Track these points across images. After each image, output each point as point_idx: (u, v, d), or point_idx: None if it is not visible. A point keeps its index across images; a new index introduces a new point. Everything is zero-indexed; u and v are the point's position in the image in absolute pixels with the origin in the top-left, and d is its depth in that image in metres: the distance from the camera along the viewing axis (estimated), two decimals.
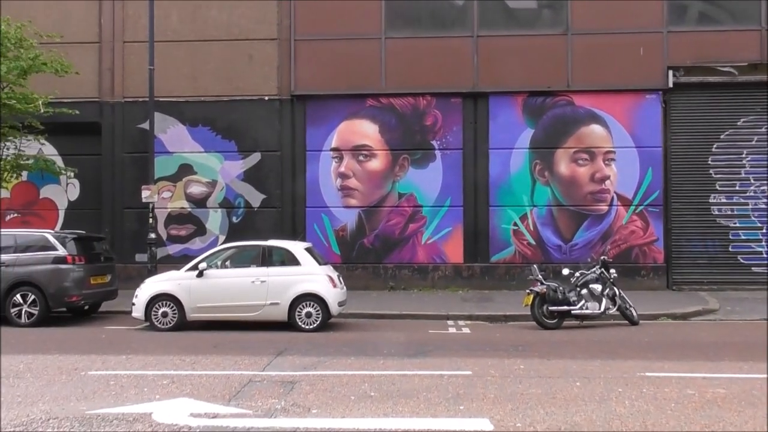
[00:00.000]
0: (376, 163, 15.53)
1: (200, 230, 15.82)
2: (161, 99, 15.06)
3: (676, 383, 6.60)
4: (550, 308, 10.67)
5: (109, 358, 8.17)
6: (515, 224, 15.26)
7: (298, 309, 10.64)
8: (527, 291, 10.87)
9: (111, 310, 12.63)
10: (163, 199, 15.67)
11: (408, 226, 15.45)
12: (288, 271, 10.86)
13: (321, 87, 15.45)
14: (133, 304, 10.98)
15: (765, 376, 6.94)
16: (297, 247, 11.24)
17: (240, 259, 11.37)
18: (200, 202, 15.85)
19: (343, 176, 15.58)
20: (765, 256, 15.05)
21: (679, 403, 5.88)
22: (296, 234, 15.09)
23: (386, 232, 15.49)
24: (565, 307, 10.66)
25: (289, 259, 11.02)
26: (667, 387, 6.44)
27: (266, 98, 15.64)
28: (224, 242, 14.43)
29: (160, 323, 10.78)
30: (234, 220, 15.78)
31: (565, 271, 11.50)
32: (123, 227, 15.79)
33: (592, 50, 14.98)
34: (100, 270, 12.25)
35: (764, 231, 15.07)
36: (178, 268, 11.37)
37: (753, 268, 15.06)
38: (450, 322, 11.49)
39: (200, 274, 10.80)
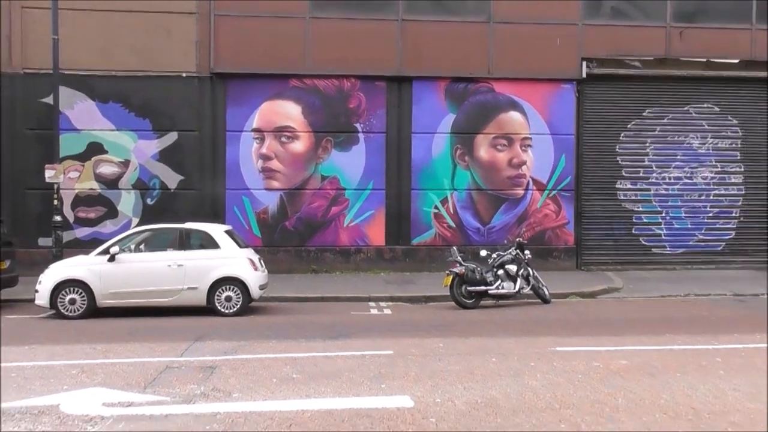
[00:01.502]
0: (298, 145, 15.35)
1: (111, 213, 15.10)
2: (68, 72, 14.17)
3: (584, 356, 7.00)
4: (468, 289, 11.00)
5: (9, 349, 7.64)
6: (436, 207, 15.55)
7: (217, 293, 10.44)
8: (447, 272, 11.15)
9: (12, 299, 11.76)
10: (69, 180, 14.81)
11: (331, 209, 15.41)
12: (207, 255, 10.61)
13: (243, 65, 15.05)
14: (37, 291, 10.37)
15: (661, 348, 7.49)
16: (216, 230, 10.98)
17: (156, 243, 10.99)
18: (111, 183, 15.11)
19: (264, 158, 15.31)
20: (664, 238, 16.13)
21: (587, 374, 6.25)
22: (216, 217, 14.72)
23: (309, 214, 15.39)
24: (483, 288, 11.03)
25: (208, 242, 10.76)
26: (576, 360, 6.82)
27: (184, 75, 15.04)
28: (138, 225, 13.84)
29: (67, 311, 10.28)
30: (149, 202, 15.17)
31: (483, 253, 11.89)
32: (25, 209, 14.79)
33: (513, 39, 15.38)
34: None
35: (664, 215, 16.13)
36: (87, 253, 10.86)
37: (653, 250, 16.11)
38: (372, 304, 11.62)
39: (112, 259, 10.37)
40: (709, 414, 5.03)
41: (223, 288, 10.45)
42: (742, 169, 16.21)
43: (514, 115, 15.54)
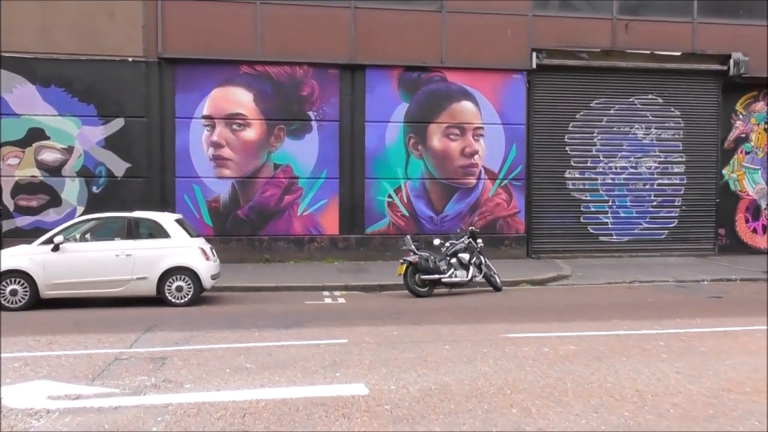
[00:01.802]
0: (250, 133, 15.12)
1: (55, 201, 14.57)
2: (6, 54, 13.58)
3: (534, 342, 7.17)
4: (422, 277, 11.10)
5: None
6: (390, 196, 15.59)
7: (168, 283, 10.25)
8: (400, 261, 11.21)
9: None
10: (9, 166, 14.21)
11: (284, 198, 15.26)
12: (156, 244, 10.38)
13: (192, 51, 14.67)
14: None
15: (607, 333, 7.75)
16: (166, 219, 10.74)
17: (102, 232, 10.67)
18: (54, 170, 14.56)
19: (215, 145, 15.01)
20: (610, 226, 16.63)
21: (536, 360, 6.41)
22: (165, 205, 14.38)
23: (261, 203, 15.20)
24: (436, 276, 11.14)
25: (158, 232, 10.52)
26: (526, 346, 6.99)
27: (130, 59, 14.57)
28: (83, 214, 13.40)
29: (8, 302, 9.93)
30: (94, 190, 14.69)
31: (436, 242, 12.01)
32: None
33: (465, 29, 15.50)
34: None
35: (610, 204, 16.62)
36: (30, 242, 10.48)
37: (600, 238, 16.60)
38: (326, 293, 11.60)
39: (56, 248, 10.04)
40: (652, 396, 5.24)
41: (174, 278, 10.26)
42: (684, 159, 16.84)
43: (467, 105, 15.69)
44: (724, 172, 17.29)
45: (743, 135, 17.44)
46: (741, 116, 17.39)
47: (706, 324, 8.35)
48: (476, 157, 15.81)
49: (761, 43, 16.53)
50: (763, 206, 17.65)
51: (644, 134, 16.67)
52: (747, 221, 17.60)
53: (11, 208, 14.30)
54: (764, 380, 5.68)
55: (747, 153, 17.49)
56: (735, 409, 4.90)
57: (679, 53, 16.33)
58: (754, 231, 17.64)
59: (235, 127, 15.04)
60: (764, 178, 17.62)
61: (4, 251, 10.51)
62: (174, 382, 5.75)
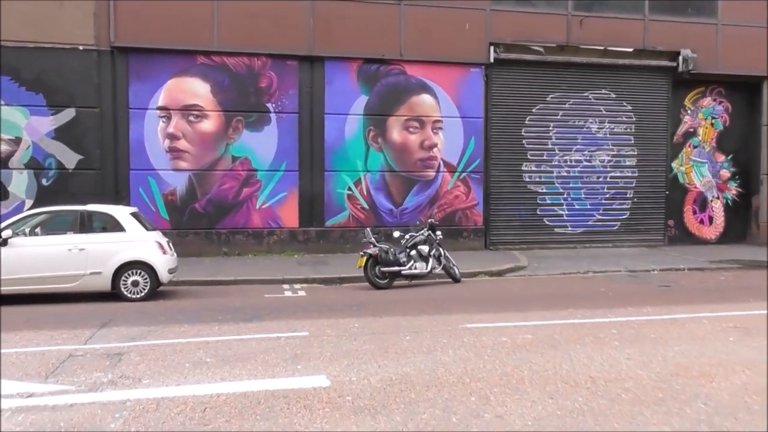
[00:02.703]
0: (207, 125, 14.88)
1: (1, 194, 14.06)
2: None
3: (492, 332, 7.32)
4: (382, 269, 11.17)
5: None
6: (350, 189, 15.59)
7: (123, 278, 10.05)
8: (360, 253, 11.26)
9: None
10: None
11: (242, 191, 15.09)
12: (111, 238, 10.15)
13: (146, 40, 14.32)
14: None
15: (562, 322, 7.97)
16: (121, 212, 10.51)
17: (54, 226, 10.39)
18: (1, 162, 14.05)
19: (171, 137, 14.72)
20: (565, 218, 17.03)
21: (495, 349, 6.55)
22: (119, 198, 14.06)
23: (219, 196, 15.00)
24: (396, 268, 11.23)
25: (112, 225, 10.29)
26: (485, 336, 7.12)
27: (81, 48, 14.14)
28: (33, 207, 12.97)
29: None
30: (44, 182, 14.23)
31: (396, 234, 12.10)
32: None
33: (424, 22, 15.56)
34: None
35: (565, 196, 17.02)
36: None
37: (556, 229, 16.99)
38: (286, 286, 11.55)
39: (4, 243, 9.72)
40: (605, 382, 5.42)
41: (130, 272, 10.07)
42: (636, 153, 17.35)
43: (426, 98, 15.79)
44: (673, 165, 17.90)
45: (691, 129, 18.09)
46: (689, 111, 18.02)
47: (655, 312, 8.65)
48: (435, 150, 15.94)
49: (709, 40, 17.14)
50: (710, 198, 18.36)
51: (598, 128, 17.10)
52: (695, 213, 18.29)
53: None
54: (710, 365, 5.94)
55: (695, 147, 18.15)
56: (682, 393, 5.11)
57: (631, 49, 16.79)
58: (701, 222, 18.34)
59: (191, 118, 14.78)
60: (711, 171, 18.31)
61: None
62: (131, 377, 5.66)
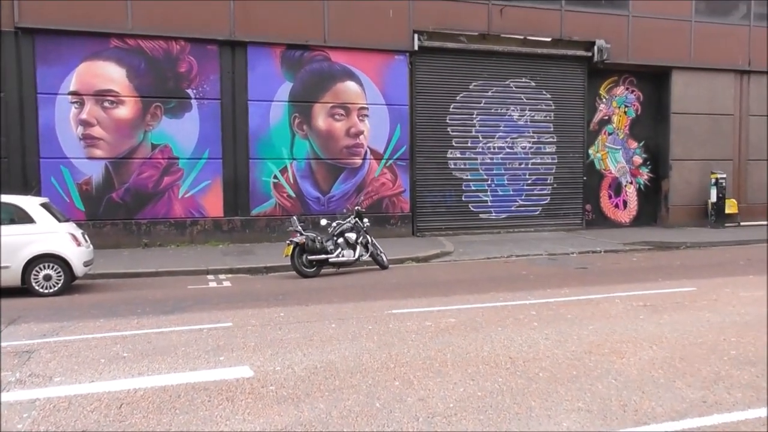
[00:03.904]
0: (124, 111, 14.24)
1: None
2: None
3: (417, 317, 7.43)
4: (309, 257, 11.09)
5: None
6: (275, 177, 15.37)
7: (34, 272, 9.53)
8: (287, 242, 11.15)
9: None
10: None
11: (163, 179, 14.57)
12: (19, 230, 9.58)
13: (54, 21, 13.51)
14: None
15: (485, 305, 8.19)
16: (30, 203, 9.91)
17: None
18: None
19: (85, 124, 14.01)
20: (490, 204, 17.47)
21: (419, 333, 6.66)
22: (29, 188, 13.26)
23: (138, 185, 14.43)
24: (323, 256, 11.19)
25: (21, 217, 9.70)
26: (410, 321, 7.22)
27: None
28: None
29: None
30: None
31: (323, 222, 12.05)
32: None
33: (348, 8, 15.45)
34: None
35: (489, 183, 17.43)
36: None
37: (481, 215, 17.40)
38: (210, 277, 11.30)
39: None
40: (524, 362, 5.61)
41: (41, 266, 9.55)
42: (555, 140, 17.98)
43: (351, 85, 15.73)
44: (590, 151, 18.68)
45: (606, 117, 18.92)
46: (604, 99, 18.83)
47: (572, 293, 9.04)
48: (361, 137, 15.94)
49: (621, 31, 17.93)
50: (624, 183, 19.30)
51: (519, 116, 17.58)
52: (610, 197, 19.19)
53: None
54: (620, 342, 6.27)
55: (610, 134, 19.00)
56: (595, 369, 5.37)
57: (548, 39, 17.33)
58: (616, 206, 19.27)
59: (106, 104, 14.11)
60: (624, 157, 19.23)
61: None
62: (41, 376, 5.39)
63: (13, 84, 13.49)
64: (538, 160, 17.87)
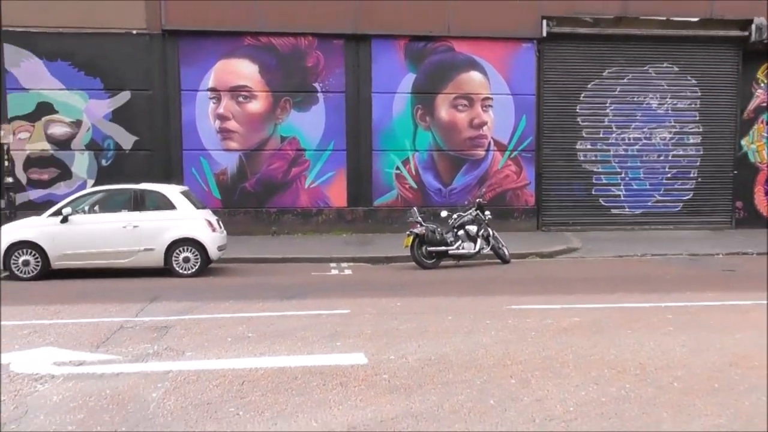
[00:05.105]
0: (256, 105, 15.01)
1: (65, 174, 14.65)
2: (11, 28, 13.46)
3: (537, 314, 7.10)
4: (428, 249, 11.04)
5: None
6: (397, 168, 15.48)
7: (175, 254, 10.30)
8: (407, 233, 11.15)
9: None
10: (20, 141, 14.28)
11: (291, 170, 15.20)
12: (163, 216, 10.40)
13: (195, 22, 14.50)
14: None
15: (612, 306, 7.67)
16: (172, 191, 10.75)
17: (110, 204, 10.72)
18: (64, 143, 14.62)
19: (221, 118, 14.94)
20: (623, 199, 16.41)
21: (539, 331, 6.35)
22: (172, 178, 14.38)
23: (268, 176, 15.16)
24: (443, 248, 11.08)
25: (164, 204, 10.53)
26: (529, 318, 6.92)
27: (134, 32, 14.47)
28: (93, 187, 13.45)
29: (21, 272, 10.09)
30: (103, 163, 14.73)
31: (443, 214, 11.93)
32: None
33: None
34: None
35: (623, 176, 16.36)
36: (41, 215, 10.56)
37: (612, 210, 16.38)
38: (333, 265, 11.60)
39: (65, 220, 10.12)
40: (655, 369, 5.15)
41: (181, 249, 10.32)
42: (701, 130, 16.47)
43: (475, 75, 15.42)
44: (742, 142, 16.89)
45: (764, 104, 16.96)
46: (762, 84, 16.88)
47: (715, 298, 8.19)
48: (485, 128, 15.60)
49: None
50: None
51: (659, 104, 16.32)
52: (766, 193, 17.22)
53: (23, 181, 14.44)
54: None
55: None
56: (740, 384, 4.80)
57: (696, 19, 15.86)
58: None
59: (240, 99, 14.94)
60: None
61: (16, 223, 10.63)
62: (175, 350, 5.78)
63: (160, 82, 14.67)
64: (680, 152, 16.49)
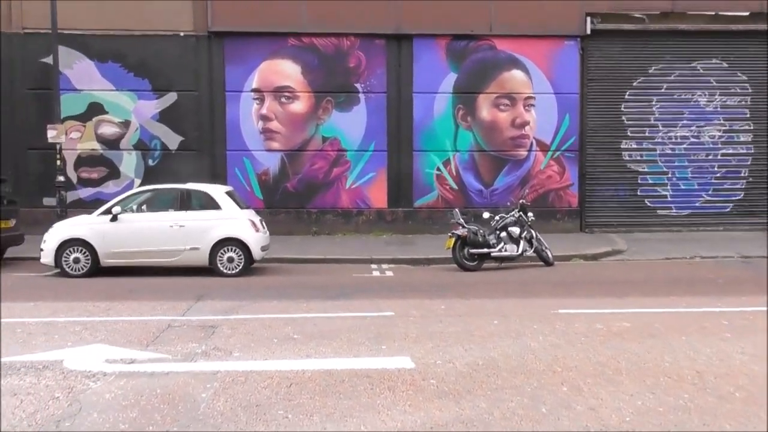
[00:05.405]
0: (298, 106, 15.12)
1: (114, 173, 15.02)
2: (65, 31, 13.88)
3: (586, 318, 6.95)
4: (470, 251, 10.93)
5: (14, 306, 7.73)
6: (438, 169, 15.38)
7: (219, 254, 10.43)
8: (449, 234, 11.07)
9: (17, 257, 11.89)
10: (71, 140, 14.71)
11: (332, 171, 15.26)
12: (208, 216, 10.55)
13: (240, 24, 14.70)
14: (42, 250, 10.43)
15: (664, 310, 7.45)
16: (217, 191, 10.90)
17: (157, 203, 10.93)
18: (113, 143, 14.99)
19: (264, 118, 15.10)
20: (669, 199, 15.96)
21: (588, 336, 6.21)
22: (217, 178, 14.59)
23: (310, 176, 15.25)
24: (485, 250, 10.96)
25: (209, 203, 10.69)
26: (578, 322, 6.77)
27: (181, 34, 14.75)
28: (141, 186, 13.76)
29: (71, 269, 10.33)
30: (150, 162, 15.06)
31: (486, 215, 11.80)
32: (27, 169, 14.74)
33: None
34: (4, 214, 11.41)
35: (669, 176, 15.92)
36: (91, 213, 10.84)
37: (658, 211, 15.95)
38: (374, 266, 11.59)
39: (114, 218, 10.36)
40: (714, 377, 4.97)
41: (225, 249, 10.44)
42: (752, 128, 15.91)
43: (517, 74, 15.22)
44: None
45: None
46: None
47: None
48: (527, 128, 15.38)
49: None
50: None
51: (707, 101, 15.83)
52: None
53: (74, 180, 14.85)
54: None
55: None
56: None
57: (746, 13, 15.32)
58: None
59: (283, 100, 15.07)
60: None
61: (67, 221, 10.93)
62: (223, 350, 5.84)
63: (206, 83, 14.92)
64: (730, 151, 15.96)
